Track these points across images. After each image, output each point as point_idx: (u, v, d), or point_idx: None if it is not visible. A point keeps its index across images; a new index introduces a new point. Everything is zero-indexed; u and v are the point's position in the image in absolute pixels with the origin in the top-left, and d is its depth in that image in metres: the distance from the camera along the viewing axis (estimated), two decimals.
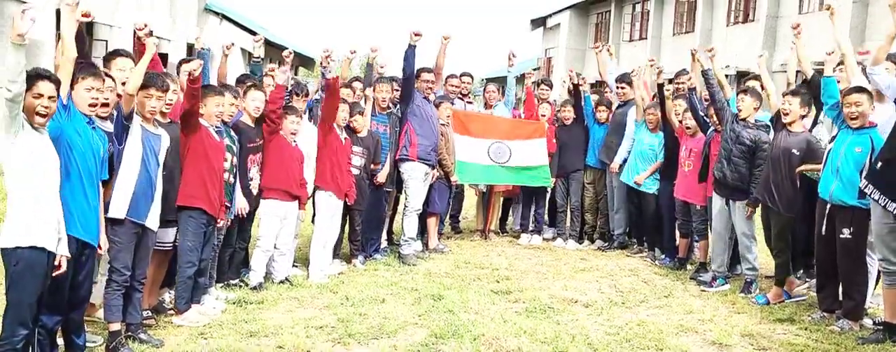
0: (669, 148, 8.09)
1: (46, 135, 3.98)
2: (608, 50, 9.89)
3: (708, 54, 7.60)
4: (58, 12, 16.31)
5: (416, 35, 7.95)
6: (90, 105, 4.30)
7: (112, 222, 4.69)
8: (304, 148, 6.87)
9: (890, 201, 5.22)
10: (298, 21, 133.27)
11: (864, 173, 5.51)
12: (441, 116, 8.47)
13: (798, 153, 6.38)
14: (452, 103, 8.97)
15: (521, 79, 11.51)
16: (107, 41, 18.55)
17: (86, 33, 4.61)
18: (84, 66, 4.37)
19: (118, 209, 4.72)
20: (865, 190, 5.40)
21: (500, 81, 10.17)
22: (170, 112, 5.44)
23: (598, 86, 10.73)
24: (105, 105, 4.54)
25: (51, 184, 3.95)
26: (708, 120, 7.50)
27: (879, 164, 5.33)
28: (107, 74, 4.70)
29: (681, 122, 7.83)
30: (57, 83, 3.94)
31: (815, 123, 6.88)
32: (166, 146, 5.10)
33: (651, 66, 9.10)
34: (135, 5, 20.12)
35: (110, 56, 5.30)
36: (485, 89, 10.32)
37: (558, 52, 35.45)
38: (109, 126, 4.68)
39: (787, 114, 6.44)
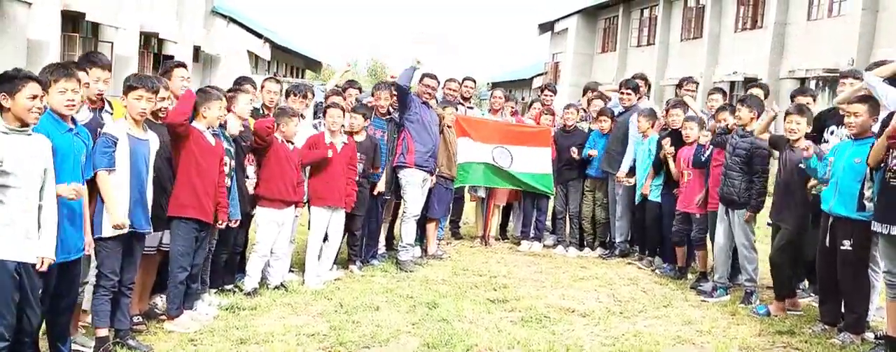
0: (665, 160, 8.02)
1: (32, 136, 3.93)
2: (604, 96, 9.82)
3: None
4: (62, 13, 16.32)
5: (418, 62, 7.99)
6: (67, 106, 4.25)
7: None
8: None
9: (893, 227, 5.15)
10: (305, 23, 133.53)
11: (867, 200, 5.44)
12: (446, 120, 8.40)
13: (804, 167, 6.31)
14: (456, 108, 8.89)
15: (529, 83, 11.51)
16: (112, 43, 18.55)
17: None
18: (55, 67, 4.32)
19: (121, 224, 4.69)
20: (875, 229, 5.31)
21: (507, 86, 10.11)
22: (165, 118, 5.37)
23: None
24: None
25: (31, 188, 3.88)
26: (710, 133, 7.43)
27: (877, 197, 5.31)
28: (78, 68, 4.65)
29: (679, 130, 7.75)
30: (41, 82, 3.94)
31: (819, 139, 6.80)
32: (156, 149, 5.03)
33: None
34: (141, 7, 20.12)
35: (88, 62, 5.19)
36: (491, 95, 10.26)
37: (566, 56, 35.43)
38: (84, 116, 4.66)
39: (793, 132, 6.37)
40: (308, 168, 7.01)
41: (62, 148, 4.15)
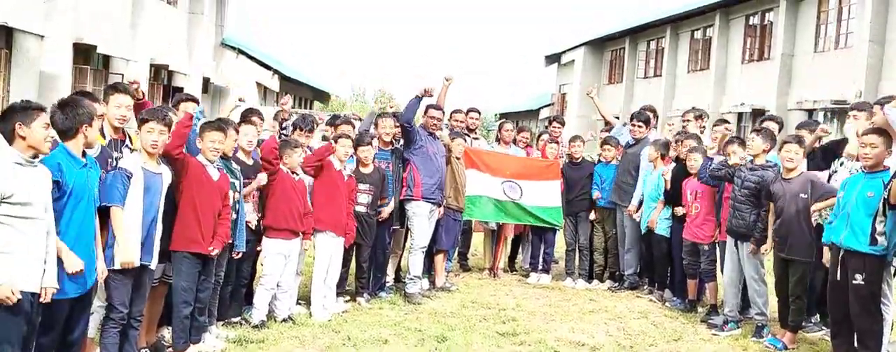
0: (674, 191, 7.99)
1: (41, 168, 3.96)
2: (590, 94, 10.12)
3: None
4: (74, 46, 16.49)
5: (426, 93, 7.96)
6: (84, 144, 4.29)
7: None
8: (307, 179, 6.85)
9: None
10: (314, 55, 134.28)
11: (879, 235, 5.41)
12: (455, 152, 8.41)
13: (805, 196, 6.29)
14: (464, 140, 8.89)
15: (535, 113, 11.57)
16: (122, 75, 18.67)
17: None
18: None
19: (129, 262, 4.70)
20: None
21: (514, 118, 10.11)
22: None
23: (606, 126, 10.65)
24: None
25: (41, 219, 3.89)
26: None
27: None
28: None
29: (685, 162, 7.75)
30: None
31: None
32: (168, 182, 5.07)
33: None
34: (152, 39, 20.31)
35: (111, 90, 5.29)
36: (500, 127, 10.25)
37: (572, 88, 35.54)
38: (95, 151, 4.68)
39: (789, 160, 6.37)
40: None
41: (78, 185, 4.19)
